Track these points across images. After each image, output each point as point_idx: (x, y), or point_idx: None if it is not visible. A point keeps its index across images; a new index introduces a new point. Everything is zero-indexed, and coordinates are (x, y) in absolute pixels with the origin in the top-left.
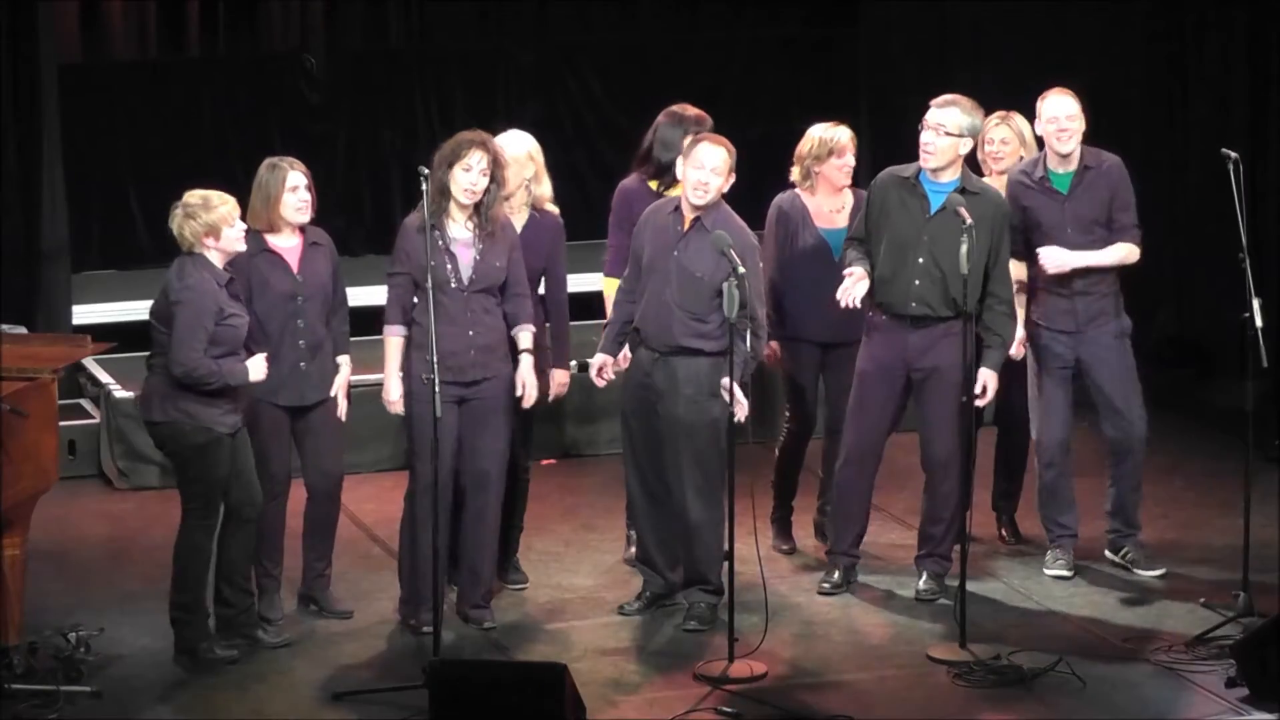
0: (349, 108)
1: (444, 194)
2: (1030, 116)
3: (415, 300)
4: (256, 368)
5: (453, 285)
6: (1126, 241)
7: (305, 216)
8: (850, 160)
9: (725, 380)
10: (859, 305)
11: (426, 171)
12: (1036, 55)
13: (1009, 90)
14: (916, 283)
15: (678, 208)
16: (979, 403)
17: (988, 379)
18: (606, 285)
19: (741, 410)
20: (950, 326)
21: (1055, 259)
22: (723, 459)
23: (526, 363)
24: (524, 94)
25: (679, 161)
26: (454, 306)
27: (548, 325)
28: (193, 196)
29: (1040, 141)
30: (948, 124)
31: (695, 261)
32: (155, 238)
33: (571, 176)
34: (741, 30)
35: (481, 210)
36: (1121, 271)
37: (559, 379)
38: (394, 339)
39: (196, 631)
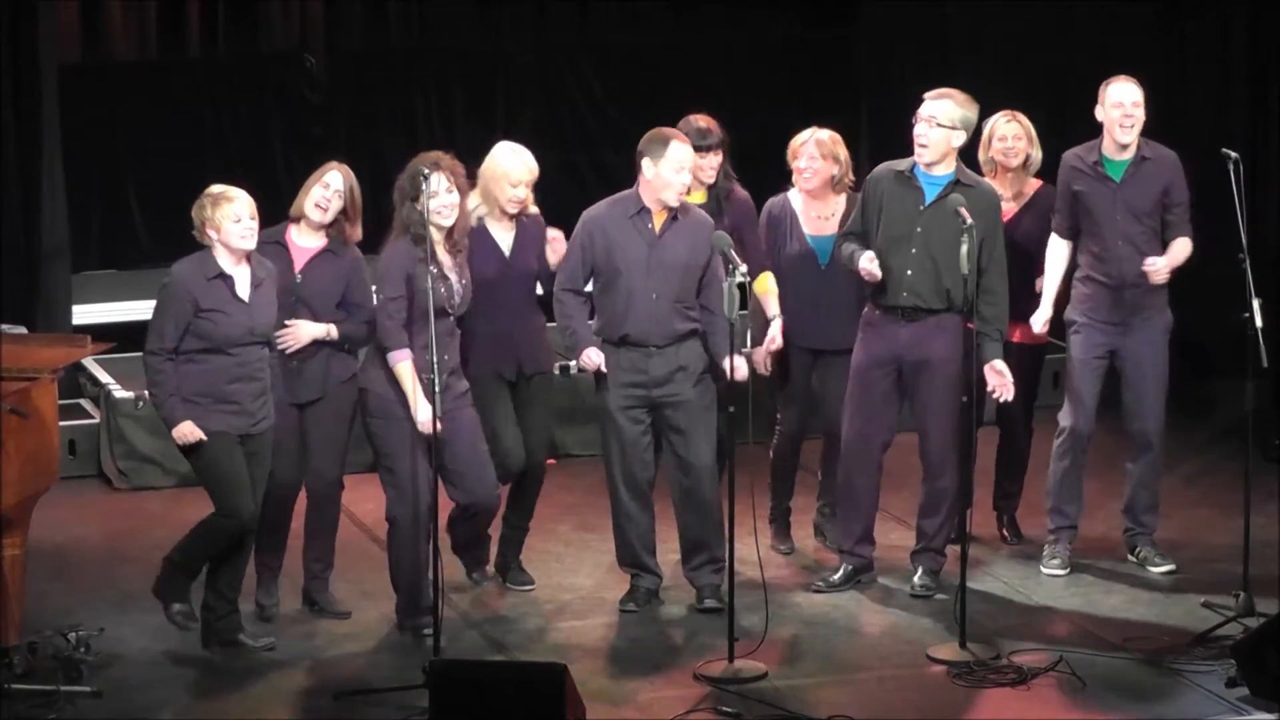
0: (349, 108)
1: (424, 224)
2: (1029, 117)
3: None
4: (187, 430)
5: (447, 311)
6: (1183, 236)
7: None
8: (805, 164)
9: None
10: (878, 277)
11: (427, 172)
12: (1037, 55)
13: (1009, 90)
14: (909, 273)
15: (640, 210)
16: (1000, 394)
17: (1000, 368)
18: None
19: (741, 372)
20: (941, 320)
21: (1159, 271)
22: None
23: None
24: (524, 94)
25: (646, 162)
26: (440, 332)
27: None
28: (213, 188)
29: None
30: (940, 116)
31: (677, 254)
32: (155, 238)
33: (572, 177)
34: (741, 30)
35: (455, 232)
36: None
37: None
38: (406, 363)
39: (174, 589)
